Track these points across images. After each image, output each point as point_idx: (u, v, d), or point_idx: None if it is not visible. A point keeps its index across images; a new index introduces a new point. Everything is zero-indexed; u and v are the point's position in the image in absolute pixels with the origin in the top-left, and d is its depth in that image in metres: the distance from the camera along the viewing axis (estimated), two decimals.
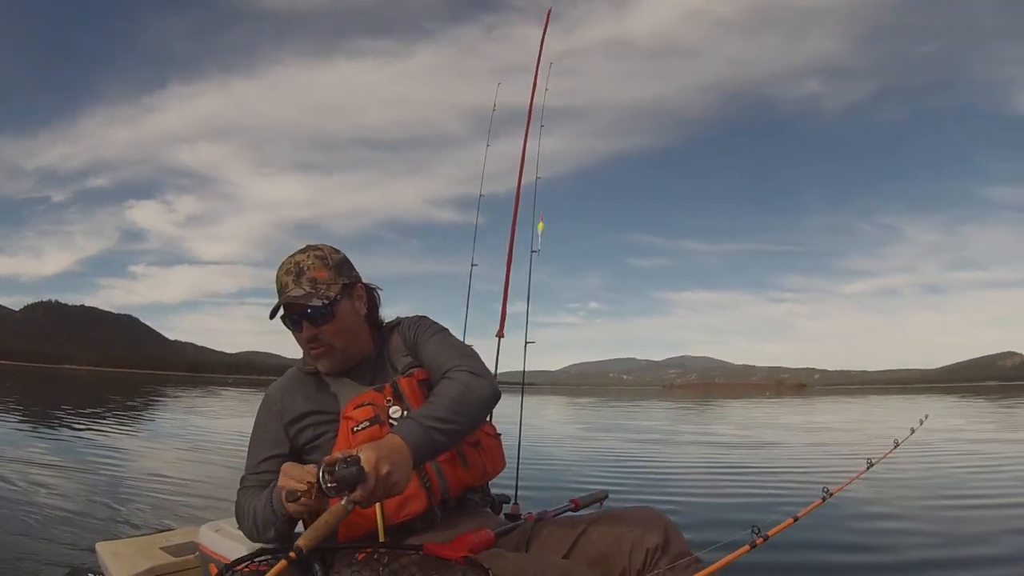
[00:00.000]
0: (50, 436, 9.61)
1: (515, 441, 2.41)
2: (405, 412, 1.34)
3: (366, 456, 1.02)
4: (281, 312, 1.37)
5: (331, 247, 1.47)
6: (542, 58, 3.16)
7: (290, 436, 1.40)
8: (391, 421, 1.33)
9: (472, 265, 3.15)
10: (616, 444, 11.58)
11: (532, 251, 2.92)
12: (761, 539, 1.36)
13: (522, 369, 3.05)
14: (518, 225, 2.81)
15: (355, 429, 1.32)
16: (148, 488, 5.53)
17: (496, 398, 1.35)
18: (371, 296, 1.52)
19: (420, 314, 1.57)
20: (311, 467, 1.09)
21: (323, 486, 0.99)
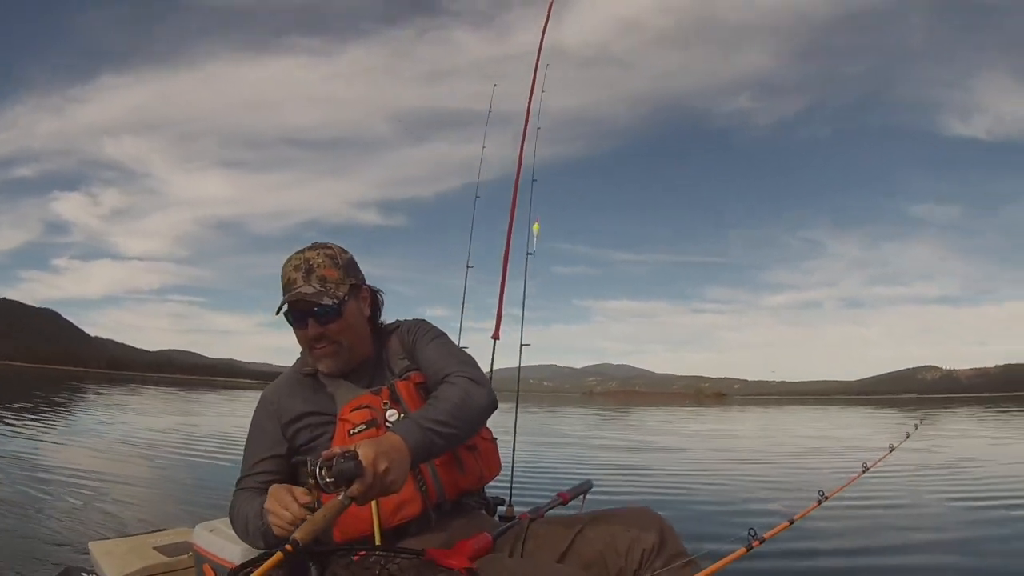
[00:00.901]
0: (18, 435, 9.49)
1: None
2: (402, 415, 1.34)
3: (364, 452, 1.01)
4: (284, 308, 1.36)
5: (339, 246, 1.46)
6: (540, 60, 3.17)
7: (288, 437, 1.40)
8: (387, 424, 1.33)
9: (468, 267, 3.15)
10: (604, 448, 11.59)
11: (527, 253, 2.95)
12: (757, 541, 1.36)
13: (517, 370, 3.06)
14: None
15: (351, 432, 1.32)
16: (137, 488, 5.50)
17: (494, 407, 1.36)
18: (374, 298, 1.51)
19: (419, 317, 1.57)
20: (299, 492, 1.10)
21: (320, 481, 0.98)
